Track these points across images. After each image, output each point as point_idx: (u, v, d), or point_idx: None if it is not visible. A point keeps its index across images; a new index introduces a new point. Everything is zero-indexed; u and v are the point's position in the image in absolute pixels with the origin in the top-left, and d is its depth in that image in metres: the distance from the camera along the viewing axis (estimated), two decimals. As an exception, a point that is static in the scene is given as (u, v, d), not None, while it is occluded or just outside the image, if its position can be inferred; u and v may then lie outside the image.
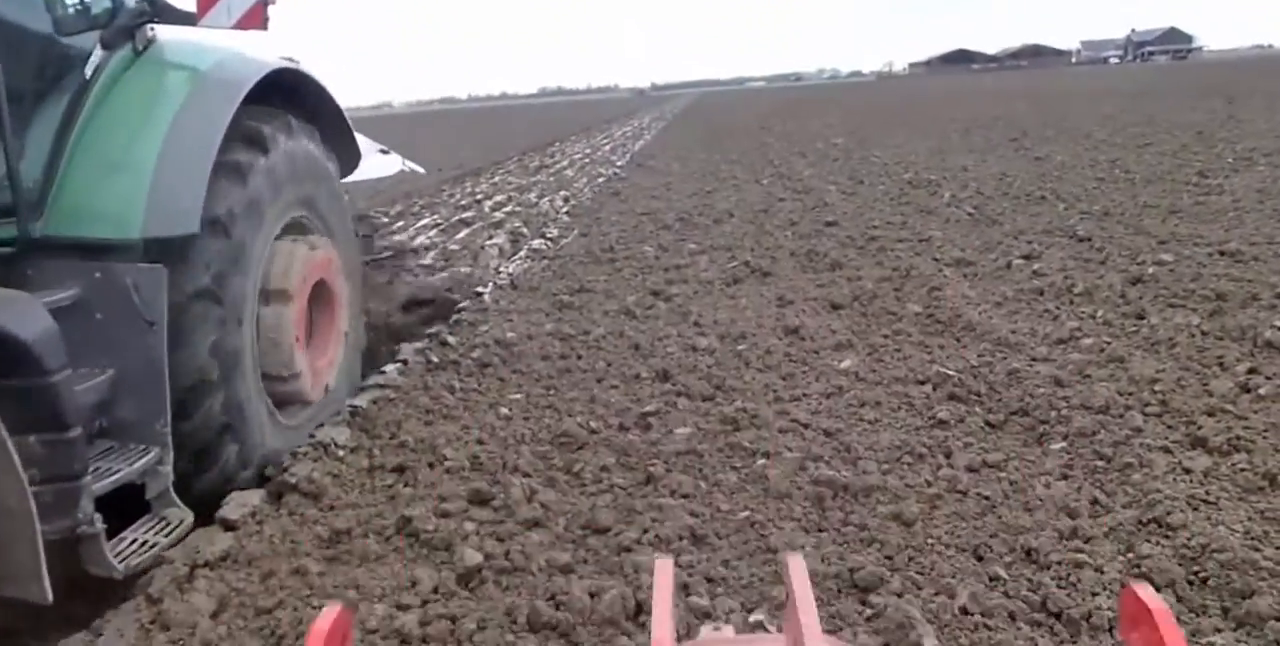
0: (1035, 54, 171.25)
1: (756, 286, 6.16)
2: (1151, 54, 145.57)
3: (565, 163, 17.59)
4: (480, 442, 3.60)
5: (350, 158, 4.51)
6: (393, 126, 51.60)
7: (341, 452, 3.54)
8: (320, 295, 3.90)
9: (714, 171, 13.92)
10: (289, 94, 3.82)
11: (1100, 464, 3.22)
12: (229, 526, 2.94)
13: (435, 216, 10.54)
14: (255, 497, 3.12)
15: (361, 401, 4.10)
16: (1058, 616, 2.38)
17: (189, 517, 2.83)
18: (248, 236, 3.25)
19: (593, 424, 3.74)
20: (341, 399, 4.06)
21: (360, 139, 6.38)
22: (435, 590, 2.57)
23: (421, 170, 7.56)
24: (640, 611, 2.43)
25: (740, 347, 4.74)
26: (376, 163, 6.41)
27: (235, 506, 3.04)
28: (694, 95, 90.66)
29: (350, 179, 6.15)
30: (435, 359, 4.79)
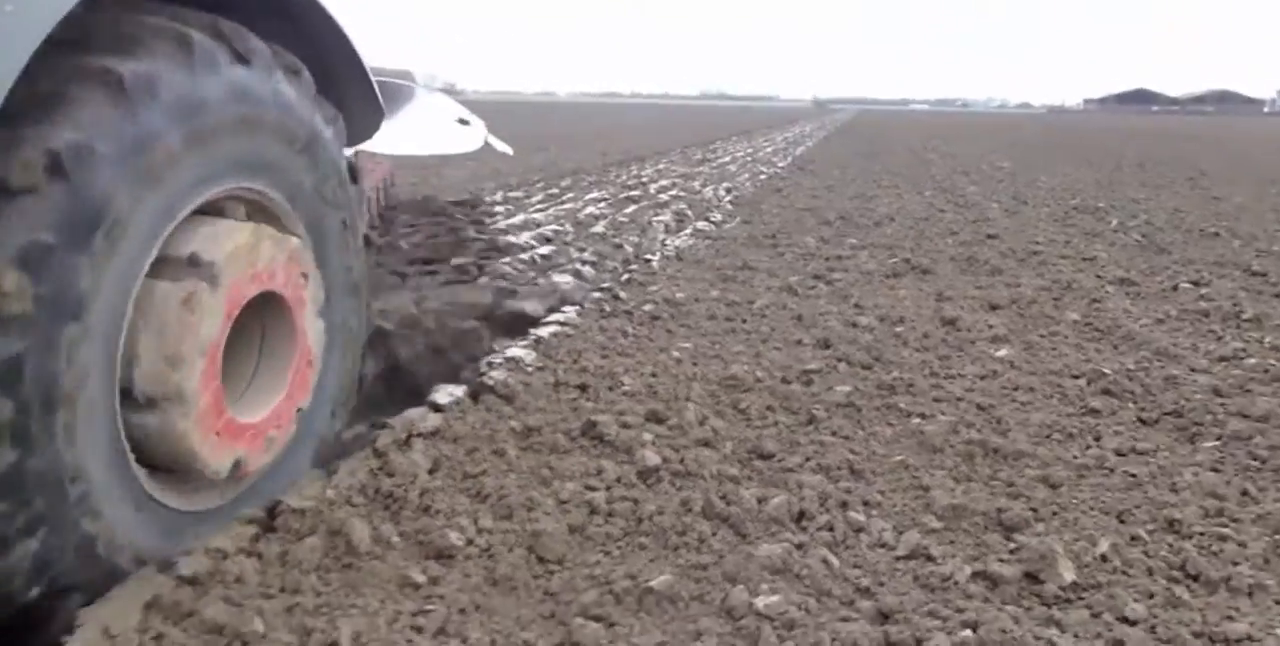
0: (1222, 100, 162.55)
1: (916, 282, 6.32)
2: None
3: (727, 159, 17.89)
4: (654, 375, 3.92)
5: (367, 119, 3.17)
6: (559, 113, 52.96)
7: (529, 370, 3.91)
8: (274, 324, 2.55)
9: (875, 180, 13.98)
10: (278, 16, 2.55)
11: (1253, 463, 3.30)
12: (437, 408, 3.34)
13: (603, 192, 10.99)
14: (460, 391, 3.52)
15: (544, 332, 4.49)
16: (1195, 578, 2.53)
17: None
18: (114, 189, 1.91)
19: (758, 373, 4.01)
20: (280, 482, 2.64)
21: (435, 99, 5.39)
22: (618, 479, 2.90)
23: (509, 150, 6.53)
24: (803, 517, 2.71)
25: (898, 329, 4.94)
26: (453, 134, 5.24)
27: (445, 394, 3.45)
28: (854, 111, 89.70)
29: (419, 152, 5.66)
30: (608, 308, 5.15)
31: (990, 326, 5.12)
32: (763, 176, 14.13)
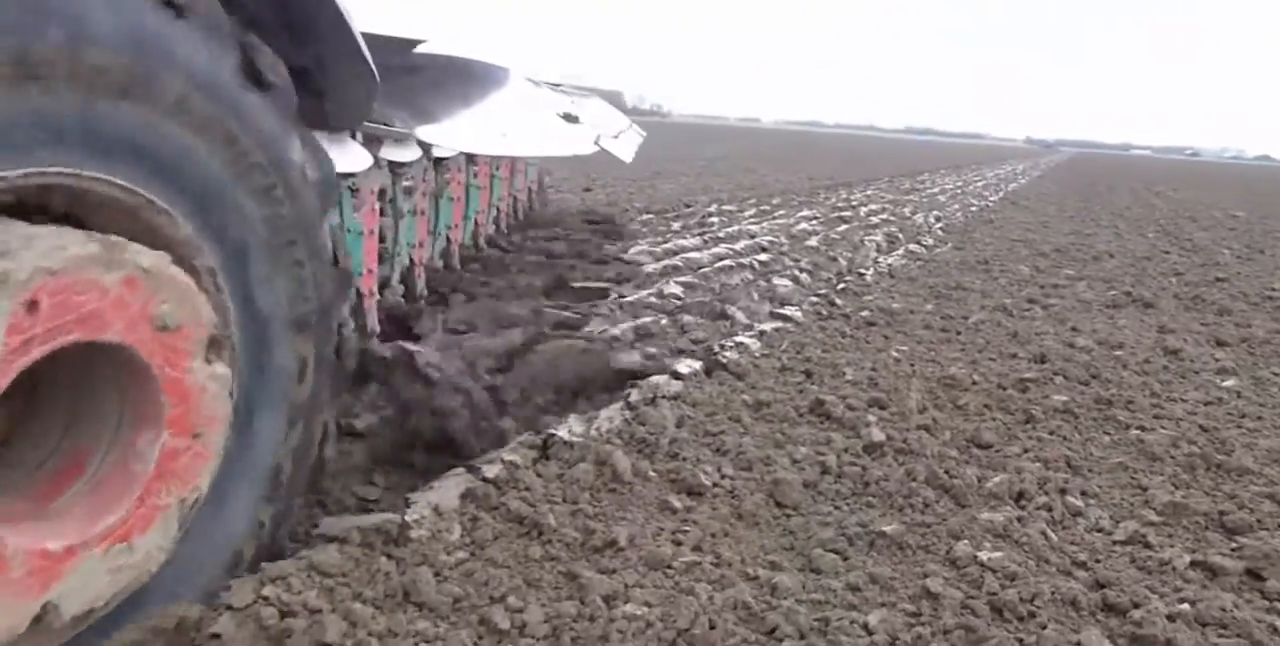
0: None
1: (1137, 313, 6.24)
2: None
3: (936, 190, 17.73)
4: (874, 369, 4.15)
5: (355, 94, 2.24)
6: (764, 138, 53.45)
7: (756, 355, 4.22)
8: (132, 389, 1.57)
9: (1093, 218, 13.58)
10: None
11: None
12: (678, 376, 3.70)
13: (813, 211, 11.23)
14: (697, 365, 3.87)
15: (767, 327, 4.79)
16: None
17: None
18: None
19: (974, 377, 4.17)
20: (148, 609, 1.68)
21: (535, 89, 4.38)
22: (846, 449, 3.16)
23: (628, 158, 5.83)
24: (1022, 497, 2.88)
25: (1118, 353, 4.95)
26: (552, 133, 4.18)
27: (685, 365, 3.81)
28: (1071, 153, 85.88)
29: (501, 152, 4.74)
30: (825, 312, 5.40)
31: (1216, 359, 5.05)
32: (973, 208, 13.97)
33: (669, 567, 2.26)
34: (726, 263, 6.65)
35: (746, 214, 10.68)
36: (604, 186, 12.94)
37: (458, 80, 3.61)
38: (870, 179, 19.84)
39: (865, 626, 2.08)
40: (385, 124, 3.39)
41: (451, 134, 3.58)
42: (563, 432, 2.97)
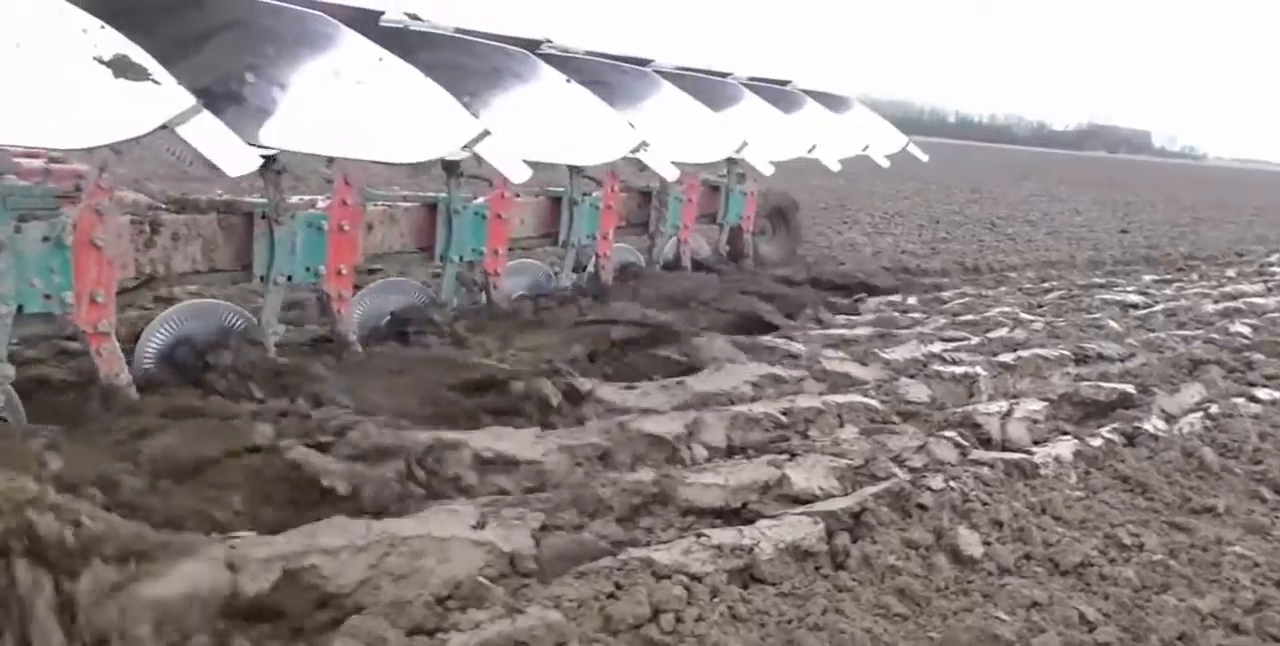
0: None
1: None
2: None
3: None
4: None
5: None
6: (1203, 176, 46.33)
7: None
8: None
9: None
10: None
11: None
12: (1255, 400, 3.93)
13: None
14: (1278, 394, 4.06)
15: None
16: None
17: None
18: None
19: None
20: None
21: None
22: None
23: (832, 166, 5.88)
24: None
25: None
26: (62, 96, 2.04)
27: (1264, 391, 4.02)
28: None
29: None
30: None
31: None
32: None
33: (1268, 534, 2.66)
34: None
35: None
36: (1140, 228, 12.57)
37: None
38: None
39: None
40: None
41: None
42: (1148, 426, 3.42)
